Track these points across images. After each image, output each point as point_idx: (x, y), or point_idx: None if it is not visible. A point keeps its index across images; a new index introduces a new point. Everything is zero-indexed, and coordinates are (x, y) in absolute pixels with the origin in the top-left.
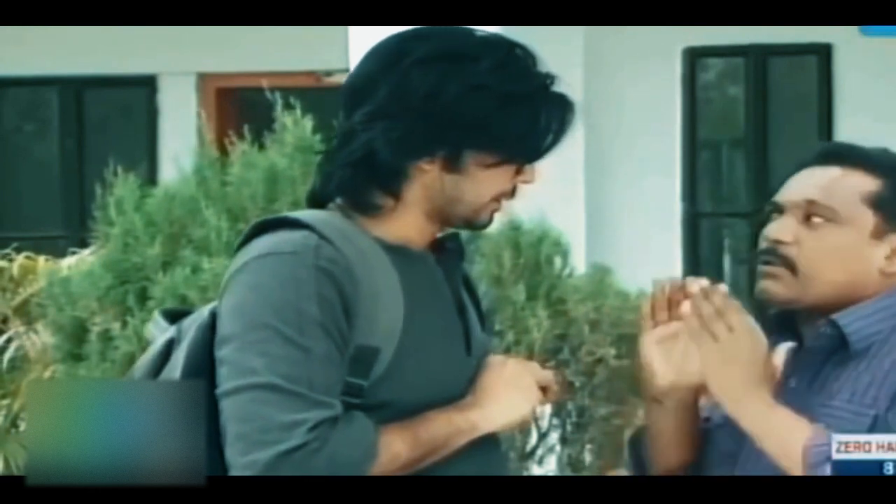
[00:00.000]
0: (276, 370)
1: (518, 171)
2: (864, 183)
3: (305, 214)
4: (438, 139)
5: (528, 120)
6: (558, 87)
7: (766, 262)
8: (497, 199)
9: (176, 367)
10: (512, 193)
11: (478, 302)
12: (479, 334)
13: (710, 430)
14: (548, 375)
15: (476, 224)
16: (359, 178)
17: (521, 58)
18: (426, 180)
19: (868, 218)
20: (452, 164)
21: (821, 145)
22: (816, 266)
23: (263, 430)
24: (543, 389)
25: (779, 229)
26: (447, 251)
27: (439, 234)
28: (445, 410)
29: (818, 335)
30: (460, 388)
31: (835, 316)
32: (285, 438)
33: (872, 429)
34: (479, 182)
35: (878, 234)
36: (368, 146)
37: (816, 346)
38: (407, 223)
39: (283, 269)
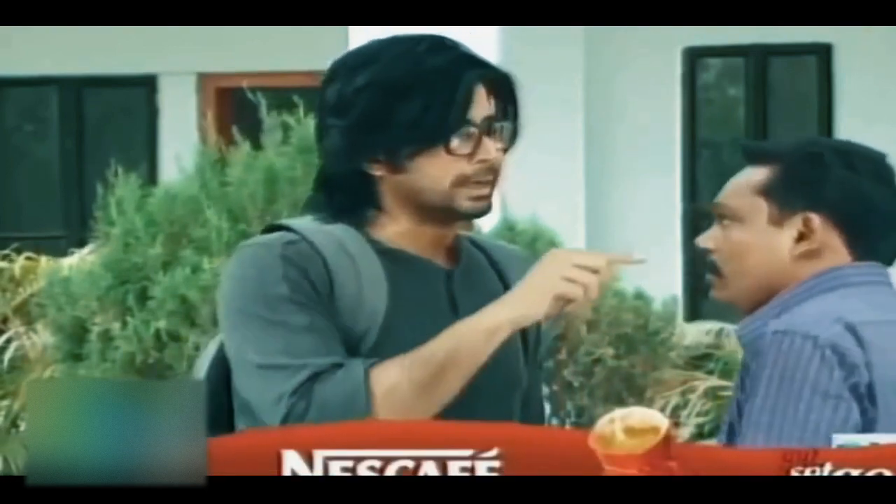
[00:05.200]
0: (259, 352)
1: (472, 153)
2: (755, 174)
3: (297, 220)
4: (361, 146)
5: (417, 104)
6: (467, 67)
7: (705, 271)
8: (462, 184)
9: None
10: (486, 174)
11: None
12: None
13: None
14: (601, 258)
15: (462, 213)
16: (332, 192)
17: (416, 50)
18: (388, 185)
19: (761, 207)
20: (393, 163)
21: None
22: (731, 266)
23: (261, 410)
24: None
25: (702, 238)
26: (453, 255)
27: (451, 236)
28: (453, 327)
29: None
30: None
31: (741, 323)
32: (275, 413)
33: (730, 437)
34: (426, 173)
35: (776, 221)
36: (323, 164)
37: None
38: (399, 228)
39: (251, 258)
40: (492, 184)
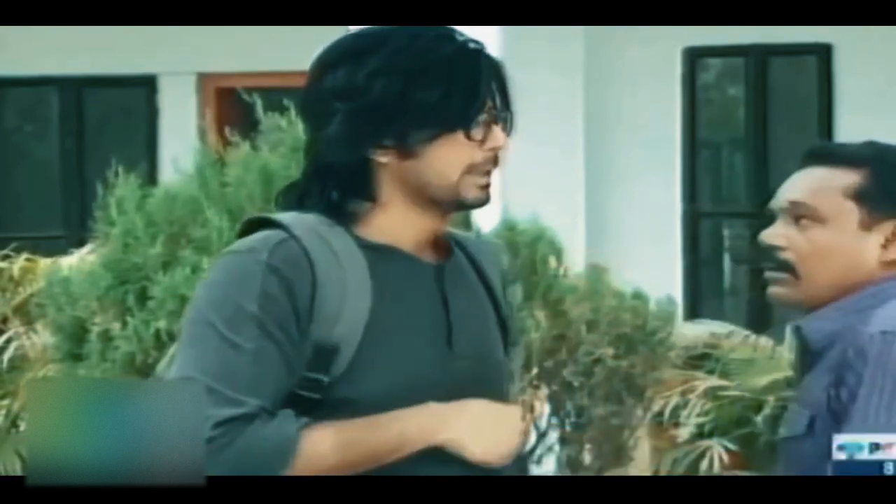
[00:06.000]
0: (199, 365)
1: (483, 140)
2: (845, 177)
3: (284, 215)
4: (371, 131)
5: (437, 89)
6: (478, 55)
7: (767, 268)
8: (470, 172)
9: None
10: (491, 163)
11: (499, 308)
12: (476, 338)
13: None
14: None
15: (466, 203)
16: (325, 184)
17: (425, 37)
18: (390, 173)
19: (853, 211)
20: (403, 150)
21: (808, 147)
22: (812, 268)
23: None
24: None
25: (772, 235)
26: (440, 250)
27: (441, 231)
28: (402, 412)
29: (799, 337)
30: (439, 390)
31: (801, 321)
32: None
33: (810, 429)
34: (436, 160)
35: (866, 226)
36: (318, 155)
37: (800, 349)
38: (390, 221)
39: (235, 267)
40: (492, 173)
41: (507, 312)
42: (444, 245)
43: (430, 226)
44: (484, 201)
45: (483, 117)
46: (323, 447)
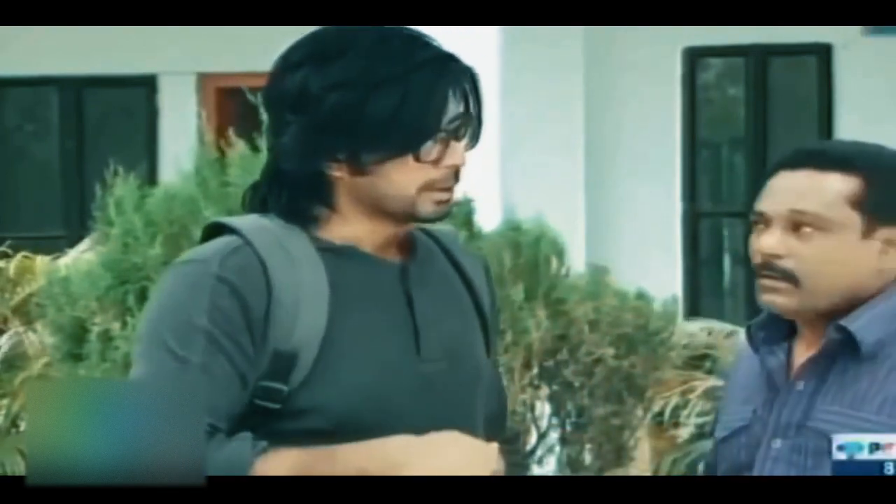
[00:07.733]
0: (150, 381)
1: (439, 159)
2: (845, 185)
3: (241, 219)
4: (325, 143)
5: (392, 106)
6: (445, 64)
7: (766, 276)
8: (428, 189)
9: None
10: (451, 179)
11: (478, 301)
12: (449, 339)
13: (718, 443)
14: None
15: (423, 217)
16: (281, 190)
17: (391, 44)
18: (345, 185)
19: (855, 220)
20: (355, 166)
21: (792, 148)
22: (817, 277)
23: None
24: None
25: (771, 243)
26: (405, 249)
27: (404, 231)
28: (365, 445)
29: (828, 341)
30: (406, 396)
31: (843, 321)
32: None
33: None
34: (392, 178)
35: (867, 234)
36: (273, 160)
37: (825, 352)
38: (351, 227)
39: (187, 278)
40: (454, 187)
41: (487, 304)
42: (408, 243)
43: (390, 230)
44: (442, 215)
45: (441, 135)
46: (278, 474)
